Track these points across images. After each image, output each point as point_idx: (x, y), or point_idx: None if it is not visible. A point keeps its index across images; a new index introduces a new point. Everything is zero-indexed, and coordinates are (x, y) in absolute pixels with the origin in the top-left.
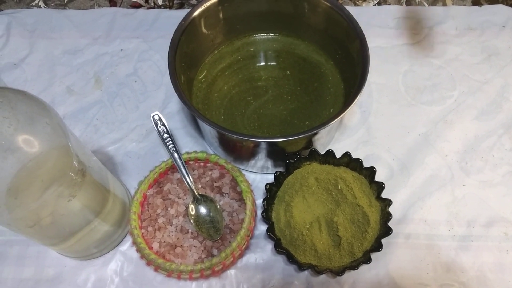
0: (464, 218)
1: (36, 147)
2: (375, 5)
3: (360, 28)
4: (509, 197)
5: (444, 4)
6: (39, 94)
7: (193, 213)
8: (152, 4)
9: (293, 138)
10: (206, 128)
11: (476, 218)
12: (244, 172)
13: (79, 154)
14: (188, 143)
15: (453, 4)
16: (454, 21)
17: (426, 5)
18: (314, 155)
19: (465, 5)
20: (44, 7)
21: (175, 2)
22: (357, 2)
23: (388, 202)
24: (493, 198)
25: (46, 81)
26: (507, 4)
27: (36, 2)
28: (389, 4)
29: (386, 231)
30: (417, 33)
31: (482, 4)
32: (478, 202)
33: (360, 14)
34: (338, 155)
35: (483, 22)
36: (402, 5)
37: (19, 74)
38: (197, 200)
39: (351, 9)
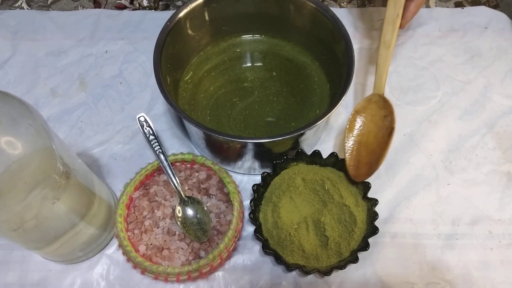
0: (449, 217)
1: (19, 148)
2: (359, 7)
3: (345, 29)
4: (493, 196)
5: (427, 6)
6: (23, 96)
7: (180, 215)
8: (137, 5)
9: (280, 138)
10: (193, 129)
11: (460, 216)
12: (231, 173)
13: (63, 156)
14: (175, 145)
15: (436, 6)
16: (437, 23)
17: None
18: (301, 156)
19: (448, 7)
20: (27, 8)
21: (160, 3)
22: (342, 4)
23: (374, 202)
24: (477, 197)
25: (30, 83)
26: (489, 6)
27: (19, 3)
28: (374, 6)
29: (373, 230)
30: (401, 34)
31: (465, 6)
32: (463, 201)
33: (345, 16)
34: (325, 155)
35: (466, 24)
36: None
37: (1, 76)
38: (184, 202)
39: (336, 11)
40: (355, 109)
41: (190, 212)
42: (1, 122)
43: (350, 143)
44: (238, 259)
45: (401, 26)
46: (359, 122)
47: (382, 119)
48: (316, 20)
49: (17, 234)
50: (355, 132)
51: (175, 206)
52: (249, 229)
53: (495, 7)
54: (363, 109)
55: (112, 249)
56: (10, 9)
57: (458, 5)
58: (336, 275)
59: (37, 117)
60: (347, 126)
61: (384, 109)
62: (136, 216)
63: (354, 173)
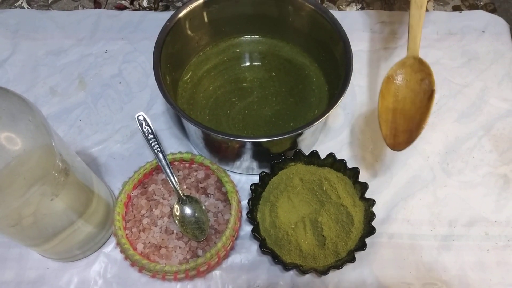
0: (445, 218)
1: (19, 144)
2: (358, 9)
3: (343, 30)
4: (489, 197)
5: (426, 10)
6: (22, 94)
7: (178, 213)
8: (137, 6)
9: (278, 138)
10: (191, 128)
11: (457, 218)
12: (229, 173)
13: (62, 153)
14: (173, 144)
15: (434, 10)
16: (435, 26)
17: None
18: (299, 156)
19: (445, 10)
20: (28, 7)
21: (160, 4)
22: (340, 7)
23: (371, 202)
24: (474, 199)
25: (29, 81)
26: (487, 10)
27: (19, 2)
28: (372, 9)
29: (370, 230)
30: (399, 37)
31: (463, 10)
32: (459, 203)
33: (344, 19)
34: (323, 156)
35: (463, 27)
36: (384, 10)
37: (1, 74)
38: (182, 201)
39: (335, 13)
40: (387, 75)
41: (188, 211)
42: (1, 118)
43: (384, 111)
44: (235, 258)
45: None
46: (392, 88)
47: (418, 83)
48: (315, 21)
49: (15, 231)
50: (390, 99)
51: (173, 205)
52: (247, 228)
53: (493, 11)
54: (396, 74)
55: (110, 247)
56: (10, 8)
57: (456, 9)
58: (333, 275)
59: (37, 113)
60: (380, 94)
61: (420, 72)
62: (134, 215)
63: (392, 141)
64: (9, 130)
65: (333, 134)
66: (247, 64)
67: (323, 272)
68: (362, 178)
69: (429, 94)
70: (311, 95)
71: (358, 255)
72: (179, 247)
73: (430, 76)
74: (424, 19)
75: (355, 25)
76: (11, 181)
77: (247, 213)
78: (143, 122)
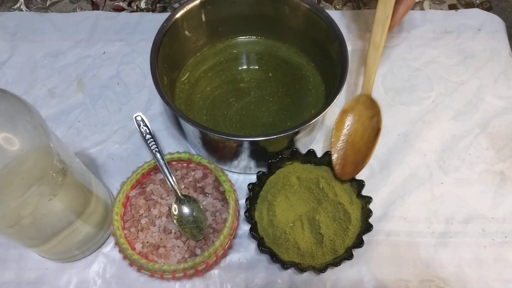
0: (442, 216)
1: (17, 145)
2: (354, 9)
3: (339, 29)
4: (485, 194)
5: (422, 8)
6: (21, 96)
7: (176, 213)
8: (135, 7)
9: (275, 137)
10: (189, 128)
11: (454, 215)
12: (227, 172)
13: (60, 154)
14: (171, 144)
15: (430, 9)
16: (431, 25)
17: None
18: (296, 155)
19: (441, 9)
20: (26, 10)
21: (157, 5)
22: (337, 6)
23: (368, 200)
24: (471, 196)
25: (28, 83)
26: (483, 8)
27: (18, 5)
28: (369, 8)
29: (367, 227)
30: (396, 36)
31: (458, 8)
32: (456, 200)
33: (340, 18)
34: (320, 155)
35: (459, 26)
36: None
37: (0, 77)
38: (180, 201)
39: (331, 13)
40: (342, 109)
41: (186, 210)
42: None
43: (336, 142)
44: (233, 257)
45: (390, 28)
46: (346, 122)
47: (369, 119)
48: (311, 21)
49: (14, 231)
50: (343, 131)
51: (171, 204)
52: (245, 227)
53: (489, 9)
54: (350, 109)
55: (109, 247)
56: (9, 11)
57: (452, 7)
58: (331, 272)
59: (35, 114)
60: (334, 126)
61: (371, 110)
62: (133, 215)
63: (340, 171)
64: (7, 131)
65: (330, 132)
66: (244, 64)
67: (321, 269)
68: (359, 176)
69: (376, 131)
70: (308, 94)
71: (355, 253)
72: (178, 246)
73: (379, 115)
74: (420, 17)
75: (352, 24)
76: (9, 181)
77: (245, 212)
78: (141, 123)
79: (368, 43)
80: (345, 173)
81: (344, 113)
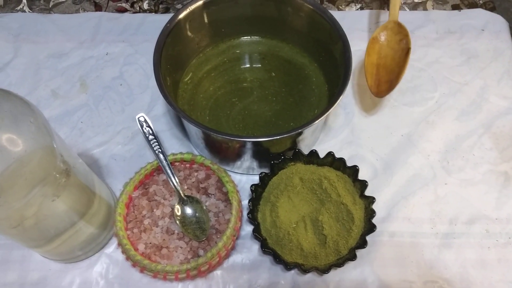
0: (446, 216)
1: (21, 146)
2: (357, 9)
3: (342, 30)
4: (490, 195)
5: (425, 9)
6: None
7: (179, 214)
8: (138, 8)
9: (278, 137)
10: (192, 129)
11: (458, 216)
12: (230, 173)
13: (63, 155)
14: (174, 145)
15: (433, 9)
16: (434, 25)
17: (407, 9)
18: (298, 156)
19: (445, 9)
20: (29, 11)
21: (160, 6)
22: (340, 7)
23: (371, 200)
24: (474, 196)
25: (31, 84)
26: (486, 9)
27: (21, 6)
28: (372, 9)
29: (370, 228)
30: None
31: (462, 9)
32: (460, 200)
33: (343, 18)
34: (323, 155)
35: (463, 26)
36: (384, 9)
37: (3, 78)
38: (183, 201)
39: (334, 13)
40: (372, 37)
41: (189, 211)
42: (3, 120)
43: (369, 67)
44: (236, 258)
45: None
46: (376, 47)
47: (398, 42)
48: (314, 21)
49: (17, 232)
50: (374, 56)
51: (174, 205)
52: (248, 228)
53: (492, 9)
54: (379, 35)
55: (112, 248)
56: (12, 12)
57: (455, 7)
58: (334, 273)
59: (38, 115)
60: (366, 53)
61: (399, 34)
62: (136, 215)
63: (376, 90)
64: (11, 132)
65: (333, 133)
66: (247, 64)
67: (325, 270)
68: (362, 177)
69: (406, 51)
70: (311, 94)
71: (359, 254)
72: (180, 247)
73: (407, 37)
74: (423, 18)
75: (355, 24)
76: (12, 182)
77: (248, 214)
78: (144, 123)
79: None
80: (380, 91)
81: (374, 40)
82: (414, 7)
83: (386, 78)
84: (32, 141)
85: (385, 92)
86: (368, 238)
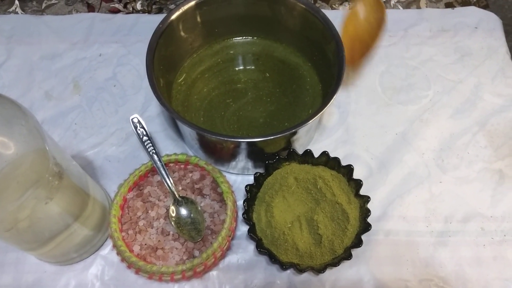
0: (441, 214)
1: (12, 149)
2: (351, 8)
3: (335, 29)
4: (484, 193)
5: (418, 7)
6: (17, 99)
7: (174, 215)
8: (131, 9)
9: (272, 137)
10: (186, 130)
11: (453, 214)
12: (225, 173)
13: (56, 157)
14: (168, 146)
15: (427, 7)
16: (428, 23)
17: (401, 8)
18: (293, 156)
19: (438, 7)
20: (22, 13)
21: (153, 7)
22: (333, 6)
23: (366, 199)
24: (469, 194)
25: (24, 86)
26: (479, 6)
27: (13, 8)
28: None
29: (366, 227)
30: (393, 35)
31: (455, 7)
32: (455, 198)
33: (337, 18)
34: (317, 155)
35: (456, 24)
36: None
37: None
38: (177, 202)
39: (328, 13)
40: (349, 10)
41: (184, 212)
42: None
43: (346, 39)
44: (232, 259)
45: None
46: (353, 20)
47: (373, 15)
48: (307, 21)
49: (11, 235)
50: (351, 28)
51: (169, 206)
52: (243, 229)
53: (485, 7)
54: (356, 8)
55: (107, 250)
56: (4, 14)
57: (448, 5)
58: (330, 273)
59: (30, 118)
60: (343, 25)
61: (375, 6)
62: (130, 217)
63: (349, 61)
64: (2, 135)
65: (328, 133)
66: (241, 65)
67: (320, 270)
68: (357, 176)
69: (380, 23)
70: (305, 94)
71: (354, 253)
72: (176, 248)
73: (382, 10)
74: (416, 16)
75: None
76: (5, 185)
77: (243, 214)
78: (138, 125)
79: None
80: (353, 62)
81: (351, 13)
82: (407, 5)
83: (361, 51)
84: (24, 144)
85: (358, 61)
86: (363, 237)
